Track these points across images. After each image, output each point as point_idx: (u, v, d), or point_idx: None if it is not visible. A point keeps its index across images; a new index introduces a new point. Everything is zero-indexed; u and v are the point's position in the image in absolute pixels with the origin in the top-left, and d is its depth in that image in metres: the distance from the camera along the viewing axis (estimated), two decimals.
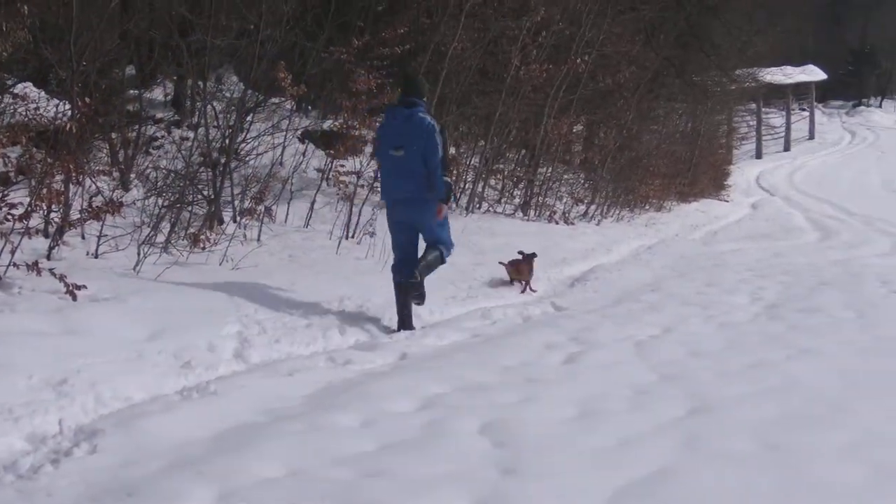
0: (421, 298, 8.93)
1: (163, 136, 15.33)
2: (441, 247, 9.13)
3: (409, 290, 8.77)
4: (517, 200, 21.73)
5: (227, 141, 12.53)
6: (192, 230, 10.67)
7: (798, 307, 10.00)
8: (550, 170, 23.39)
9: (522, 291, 11.95)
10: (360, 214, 13.32)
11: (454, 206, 18.04)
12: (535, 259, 12.28)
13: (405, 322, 8.73)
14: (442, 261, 9.18)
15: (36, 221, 8.72)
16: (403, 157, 8.86)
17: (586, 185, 26.50)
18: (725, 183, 48.79)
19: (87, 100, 8.93)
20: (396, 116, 9.05)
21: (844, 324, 9.01)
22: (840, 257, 17.35)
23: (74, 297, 7.16)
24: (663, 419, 5.37)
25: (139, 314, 7.09)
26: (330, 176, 16.29)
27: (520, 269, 12.26)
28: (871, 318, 9.30)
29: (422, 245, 9.17)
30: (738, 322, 9.10)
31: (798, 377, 6.49)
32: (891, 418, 5.43)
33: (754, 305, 10.21)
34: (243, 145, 13.46)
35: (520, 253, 12.40)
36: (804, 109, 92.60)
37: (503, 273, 12.18)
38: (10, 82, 12.08)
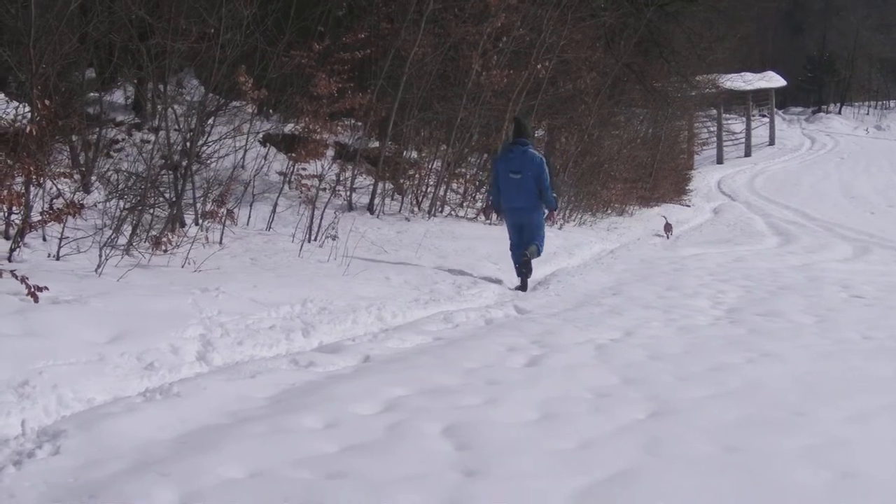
0: (529, 272, 12.75)
1: (124, 139, 15.27)
2: (537, 243, 12.84)
3: (524, 267, 12.63)
4: (479, 204, 21.75)
5: (188, 144, 12.50)
6: (153, 233, 10.63)
7: (758, 311, 10.06)
8: None
9: (667, 238, 27.30)
10: (322, 218, 13.31)
11: (417, 210, 18.15)
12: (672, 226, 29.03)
13: (523, 286, 12.61)
14: (538, 253, 12.94)
15: None
16: (520, 179, 12.64)
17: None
18: (687, 188, 49.11)
19: (47, 102, 8.89)
20: (514, 151, 12.86)
21: (804, 328, 9.07)
22: (800, 262, 17.46)
23: (36, 299, 7.11)
24: (624, 422, 5.38)
25: (101, 316, 7.04)
26: (292, 179, 16.30)
27: (669, 227, 28.72)
28: (830, 323, 9.36)
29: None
30: (699, 326, 9.15)
31: (758, 381, 6.52)
32: (849, 422, 5.46)
33: (715, 309, 10.27)
34: (204, 148, 13.44)
35: (664, 217, 30.50)
36: (764, 115, 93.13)
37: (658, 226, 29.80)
38: None
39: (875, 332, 8.80)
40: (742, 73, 71.90)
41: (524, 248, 12.72)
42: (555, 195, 13.03)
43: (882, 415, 5.69)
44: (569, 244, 18.46)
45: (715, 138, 78.60)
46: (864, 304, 11.03)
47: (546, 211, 13.21)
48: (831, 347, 8.06)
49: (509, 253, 13.23)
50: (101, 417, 5.13)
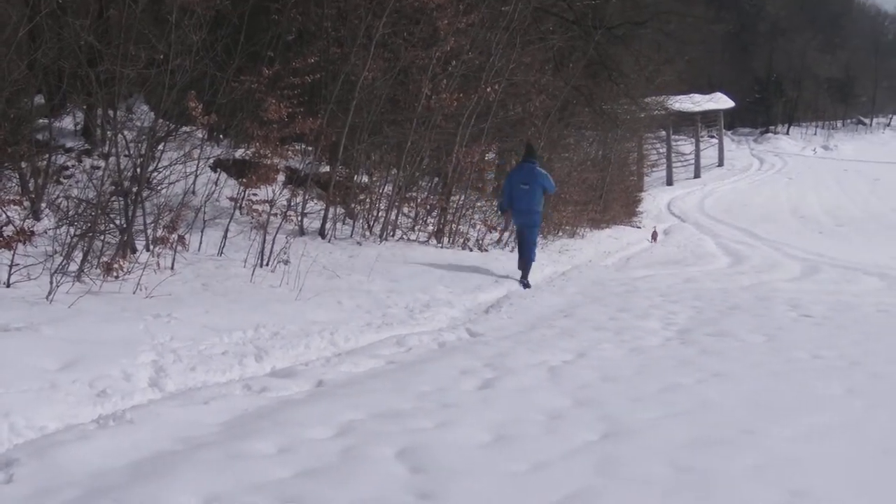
0: (526, 287, 15.91)
1: (73, 166, 15.21)
2: (531, 253, 17.02)
3: (523, 273, 16.65)
4: (430, 228, 21.80)
5: (138, 170, 12.46)
6: (104, 259, 10.59)
7: (709, 332, 10.11)
8: (463, 197, 23.47)
9: (654, 242, 38.08)
10: (273, 243, 13.28)
11: (369, 234, 18.24)
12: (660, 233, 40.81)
13: (523, 279, 16.46)
14: (532, 260, 17.09)
15: None
16: (528, 190, 16.79)
17: (499, 213, 26.65)
18: (637, 209, 49.53)
19: None
20: (523, 167, 17.29)
21: (754, 348, 9.13)
22: (750, 282, 17.60)
23: None
24: (577, 443, 5.40)
25: (52, 344, 7.02)
26: (243, 205, 16.26)
27: (655, 236, 39.53)
28: (780, 342, 9.43)
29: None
30: (650, 347, 9.18)
31: (709, 401, 6.56)
32: (799, 441, 5.52)
33: (666, 330, 10.31)
34: (155, 174, 13.39)
35: (654, 226, 42.96)
36: (713, 137, 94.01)
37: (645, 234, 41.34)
38: None
39: (824, 351, 8.87)
40: (690, 95, 72.51)
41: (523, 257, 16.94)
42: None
43: (831, 433, 5.75)
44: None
45: (664, 160, 79.14)
46: (813, 323, 11.12)
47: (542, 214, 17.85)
48: (781, 367, 8.12)
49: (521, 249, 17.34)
50: (53, 445, 5.11)
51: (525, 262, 16.92)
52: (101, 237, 11.05)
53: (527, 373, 7.65)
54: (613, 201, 43.36)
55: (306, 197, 18.15)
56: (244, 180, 15.85)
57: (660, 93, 45.97)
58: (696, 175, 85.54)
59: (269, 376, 7.38)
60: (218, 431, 5.56)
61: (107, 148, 15.08)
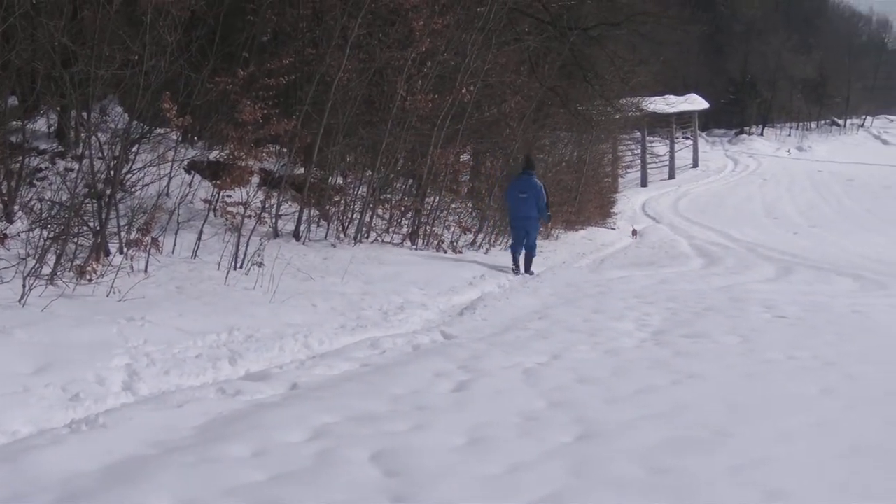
0: (528, 273, 18.59)
1: (47, 168, 15.13)
2: (532, 250, 19.23)
3: (526, 266, 18.95)
4: (405, 230, 21.79)
5: (112, 172, 12.40)
6: (78, 262, 10.54)
7: (683, 333, 10.12)
8: (438, 199, 23.48)
9: (635, 239, 39.69)
10: (247, 245, 13.23)
11: (343, 236, 18.26)
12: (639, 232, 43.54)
13: (528, 271, 18.88)
14: (534, 255, 19.37)
15: None
16: (525, 198, 18.68)
17: (474, 214, 26.66)
18: (612, 211, 49.65)
19: None
20: (522, 178, 19.09)
21: (729, 349, 9.16)
22: (724, 283, 17.61)
23: None
24: (552, 445, 5.41)
25: (25, 347, 6.99)
26: (217, 207, 16.22)
27: (635, 233, 42.14)
28: (754, 343, 9.45)
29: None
30: (625, 348, 9.19)
31: (683, 402, 6.58)
32: (775, 441, 5.54)
33: (641, 332, 10.32)
34: (129, 176, 13.34)
35: (633, 227, 45.74)
36: (688, 138, 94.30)
37: (626, 231, 44.85)
38: None
39: (798, 352, 8.89)
40: (665, 96, 72.70)
41: (522, 255, 18.98)
42: (549, 213, 19.82)
43: (806, 433, 5.77)
44: (495, 268, 18.51)
45: (639, 161, 79.35)
46: (787, 324, 11.15)
47: (540, 223, 20.09)
48: (755, 368, 8.15)
49: (510, 251, 19.53)
50: (26, 450, 5.09)
51: (528, 257, 19.11)
52: (75, 240, 11.01)
53: (501, 375, 7.65)
54: (588, 203, 43.41)
55: (281, 199, 18.11)
56: (218, 182, 15.81)
57: (635, 94, 46.02)
58: (671, 176, 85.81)
59: (243, 379, 7.36)
60: (192, 435, 5.54)
61: (80, 150, 15.01)
